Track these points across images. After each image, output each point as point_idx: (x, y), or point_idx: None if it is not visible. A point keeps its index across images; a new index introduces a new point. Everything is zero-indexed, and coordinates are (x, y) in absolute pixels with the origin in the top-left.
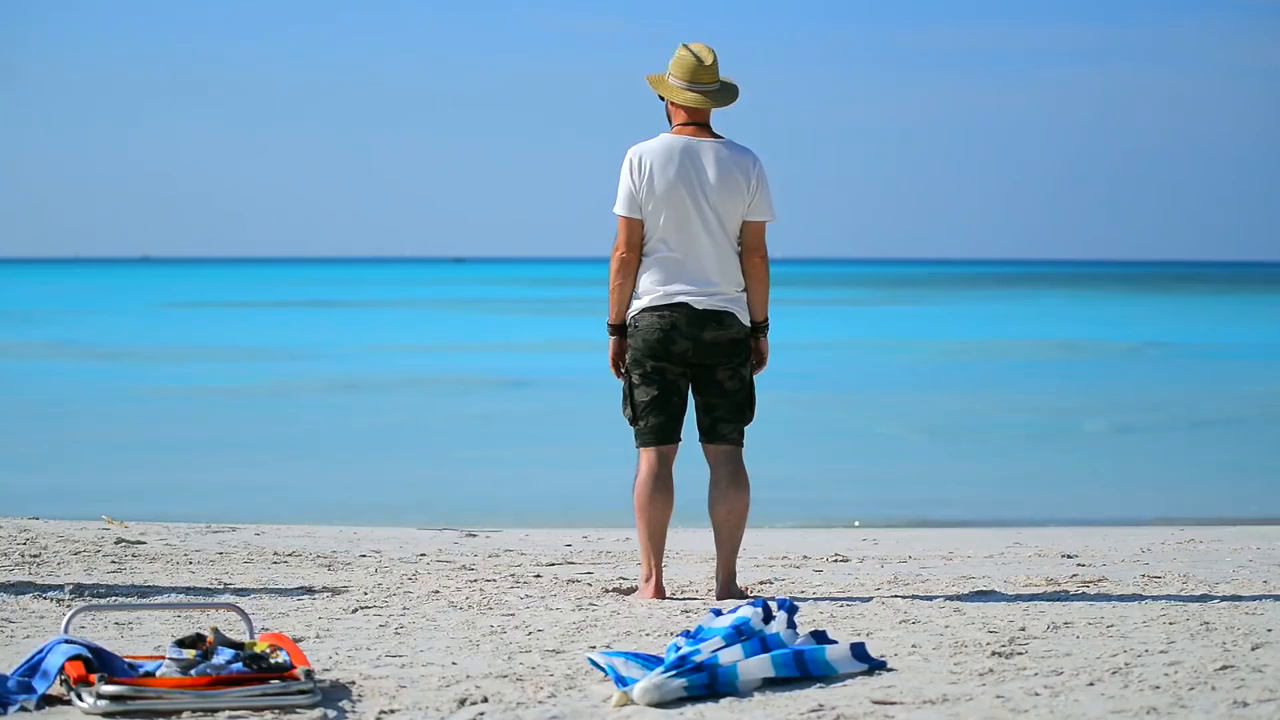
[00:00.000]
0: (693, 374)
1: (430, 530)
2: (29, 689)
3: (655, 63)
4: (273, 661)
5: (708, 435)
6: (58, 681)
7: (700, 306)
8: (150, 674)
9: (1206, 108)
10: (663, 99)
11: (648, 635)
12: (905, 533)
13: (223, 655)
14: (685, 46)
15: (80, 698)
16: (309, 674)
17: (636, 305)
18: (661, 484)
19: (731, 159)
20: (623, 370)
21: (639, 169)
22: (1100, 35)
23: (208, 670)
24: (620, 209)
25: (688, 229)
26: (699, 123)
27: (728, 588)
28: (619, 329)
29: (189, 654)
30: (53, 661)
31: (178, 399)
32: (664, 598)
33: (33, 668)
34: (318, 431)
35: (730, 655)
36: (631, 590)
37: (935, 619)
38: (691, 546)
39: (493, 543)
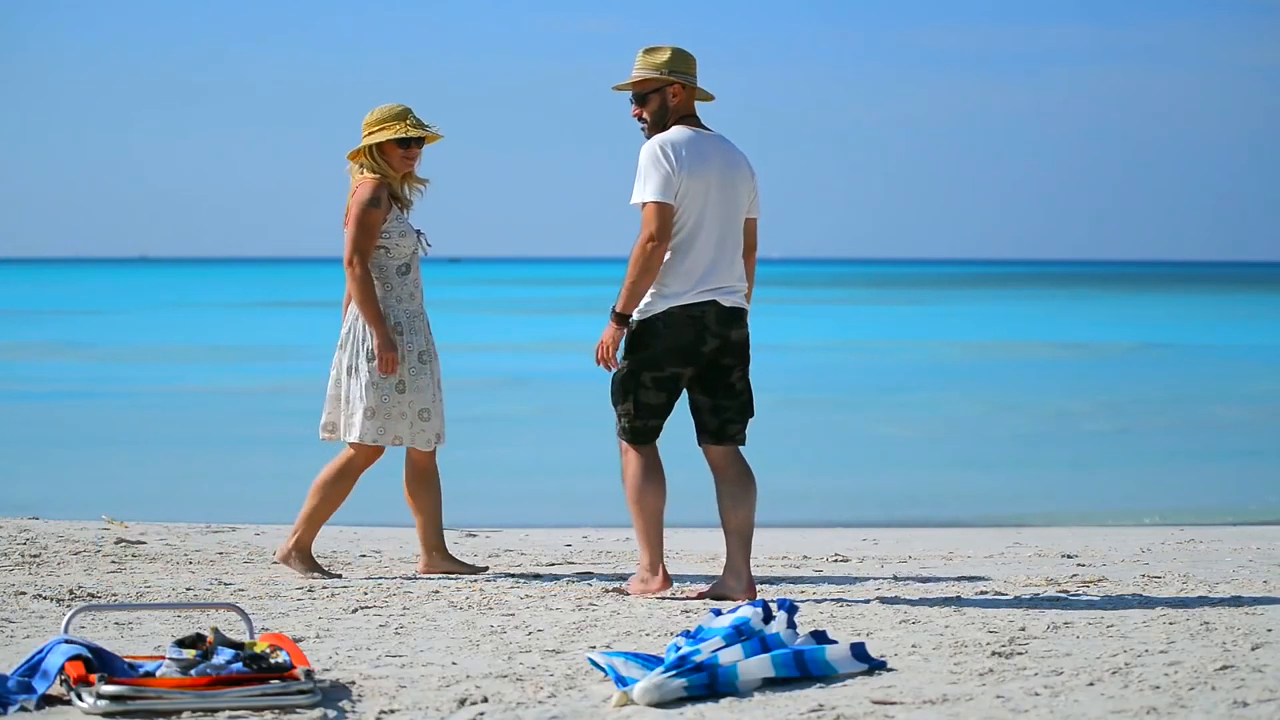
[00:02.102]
0: (700, 374)
1: None
2: (29, 689)
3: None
4: (273, 661)
5: (716, 436)
6: (58, 681)
7: (727, 304)
8: (150, 674)
9: (1206, 108)
10: (663, 92)
11: (648, 635)
12: (905, 533)
13: (223, 655)
14: (673, 48)
15: (80, 698)
16: (309, 674)
17: (663, 303)
18: (658, 474)
19: (737, 153)
20: (617, 360)
21: (675, 158)
22: (1100, 35)
23: (208, 670)
24: (657, 195)
25: (714, 223)
26: (693, 116)
27: (752, 584)
28: (626, 319)
29: (189, 654)
30: (53, 661)
31: (178, 399)
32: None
33: (33, 668)
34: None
35: (730, 655)
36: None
37: (935, 619)
38: (692, 546)
39: (493, 543)
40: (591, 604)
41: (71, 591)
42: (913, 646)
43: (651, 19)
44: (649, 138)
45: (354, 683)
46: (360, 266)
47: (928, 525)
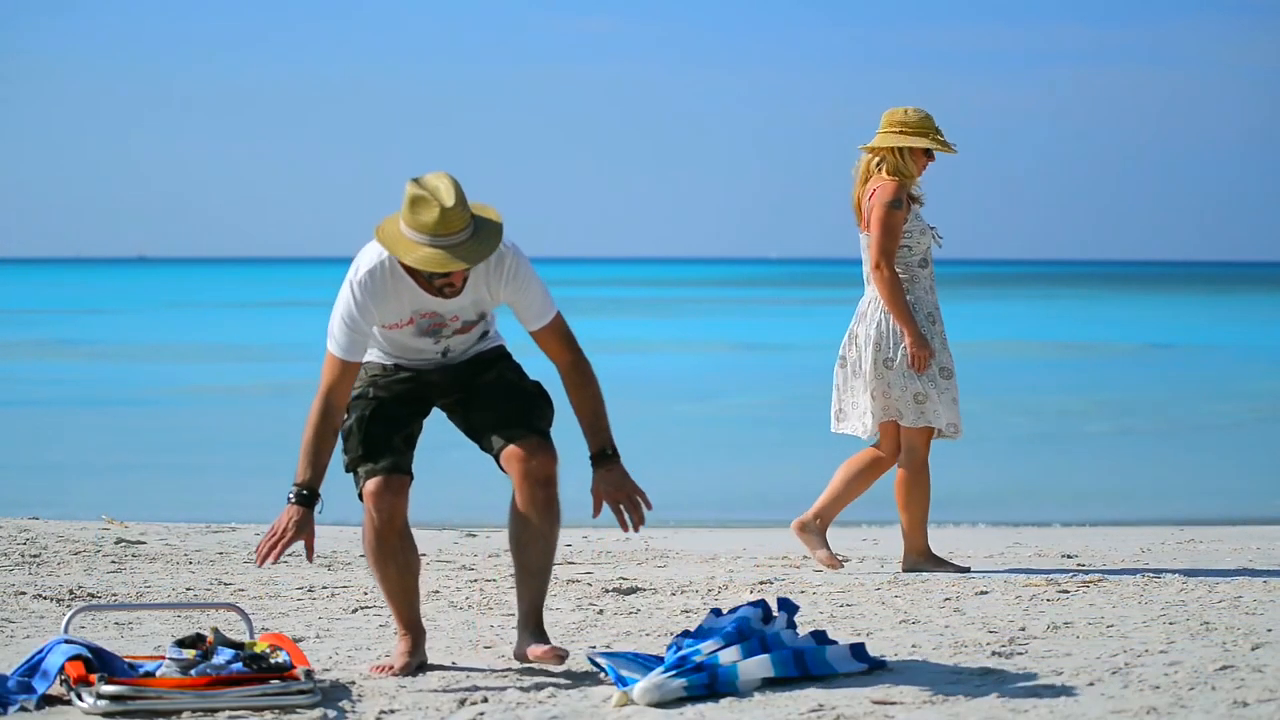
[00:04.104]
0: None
1: (430, 530)
2: (29, 689)
3: (653, 62)
4: (273, 661)
5: None
6: (58, 681)
7: None
8: (150, 674)
9: (1206, 108)
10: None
11: (648, 635)
12: None
13: (223, 655)
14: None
15: (80, 698)
16: (309, 674)
17: None
18: None
19: None
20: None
21: None
22: (1100, 35)
23: (208, 670)
24: None
25: None
26: None
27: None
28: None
29: (189, 654)
30: (53, 661)
31: (177, 399)
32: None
33: (33, 668)
34: None
35: (730, 655)
36: (632, 591)
37: (935, 619)
38: (692, 546)
39: (493, 543)
40: (591, 604)
41: (71, 591)
42: (913, 646)
43: (651, 19)
44: (451, 296)
45: (354, 683)
46: (888, 268)
47: (928, 525)
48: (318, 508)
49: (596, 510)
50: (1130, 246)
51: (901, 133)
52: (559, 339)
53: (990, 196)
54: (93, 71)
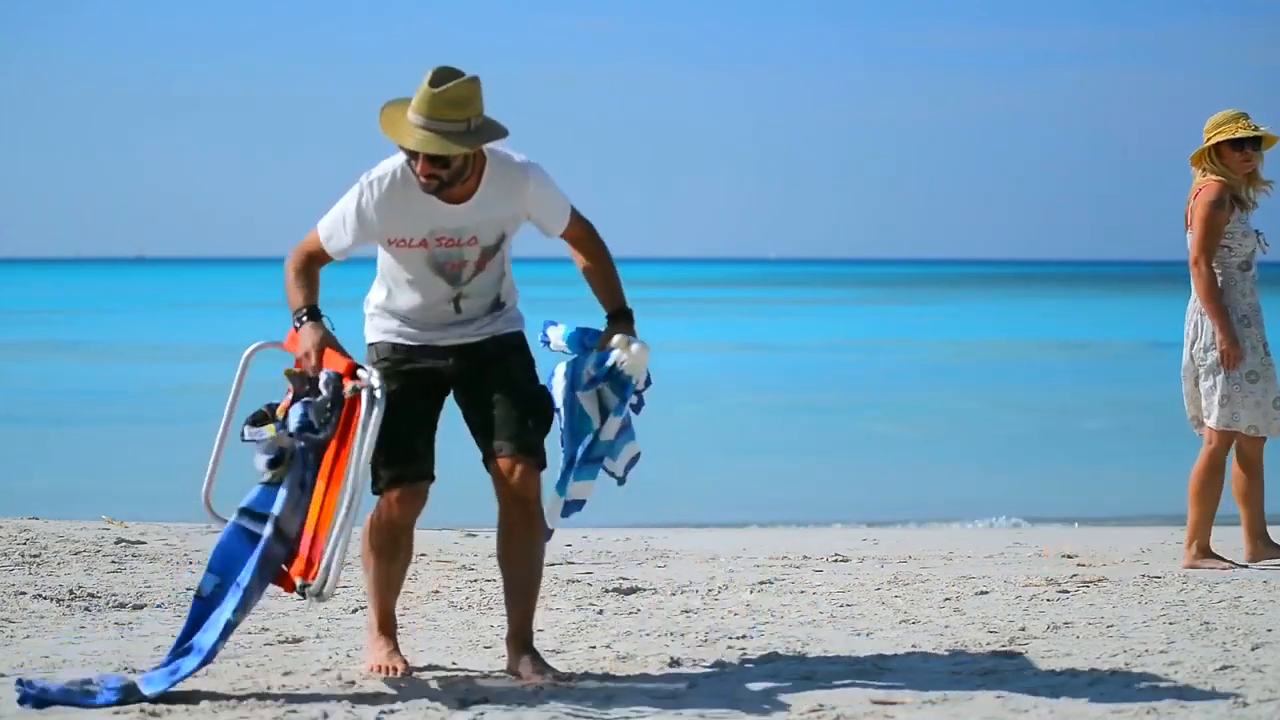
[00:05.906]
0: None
1: (430, 530)
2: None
3: (653, 62)
4: (341, 394)
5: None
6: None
7: None
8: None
9: (1206, 108)
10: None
11: (647, 635)
12: (905, 533)
13: (294, 417)
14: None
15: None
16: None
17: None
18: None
19: None
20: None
21: None
22: (1100, 35)
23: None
24: None
25: None
26: None
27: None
28: None
29: (269, 431)
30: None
31: (177, 398)
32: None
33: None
34: None
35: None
36: (632, 591)
37: (935, 619)
38: (692, 546)
39: (493, 543)
40: (591, 604)
41: (71, 591)
42: (912, 646)
43: (651, 19)
44: (434, 192)
45: (354, 683)
46: (1205, 265)
47: (928, 525)
48: (326, 321)
49: (603, 348)
50: (1131, 246)
51: (1210, 137)
52: (579, 227)
53: (990, 196)
54: (93, 71)
